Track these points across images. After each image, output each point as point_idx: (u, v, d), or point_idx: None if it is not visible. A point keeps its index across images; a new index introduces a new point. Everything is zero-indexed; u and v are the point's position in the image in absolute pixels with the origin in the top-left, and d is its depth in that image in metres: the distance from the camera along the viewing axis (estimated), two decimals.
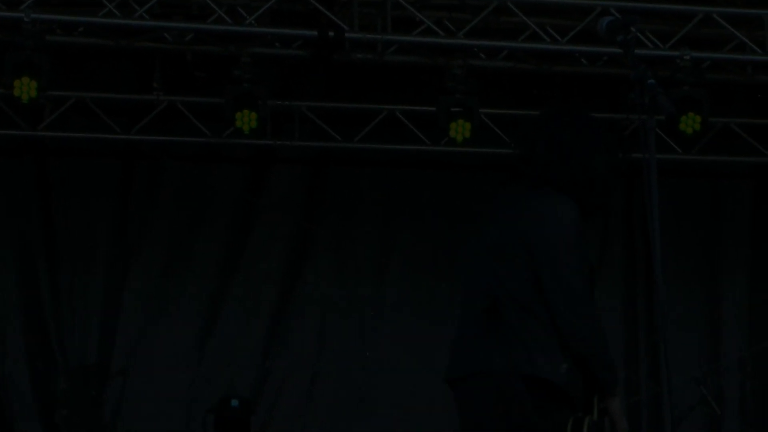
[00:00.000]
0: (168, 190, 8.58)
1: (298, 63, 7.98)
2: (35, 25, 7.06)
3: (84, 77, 8.07)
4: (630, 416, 8.23)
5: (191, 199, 8.59)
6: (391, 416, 8.45)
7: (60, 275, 8.58)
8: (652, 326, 8.62)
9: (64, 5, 7.66)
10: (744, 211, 9.45)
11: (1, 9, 7.09)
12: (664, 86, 3.69)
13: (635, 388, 8.81)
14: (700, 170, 9.13)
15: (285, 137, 8.36)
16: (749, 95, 8.96)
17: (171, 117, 8.08)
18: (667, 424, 3.51)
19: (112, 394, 8.39)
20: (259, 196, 8.60)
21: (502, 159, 8.68)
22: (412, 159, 8.78)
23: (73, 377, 8.43)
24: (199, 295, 8.61)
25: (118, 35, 7.59)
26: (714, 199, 9.37)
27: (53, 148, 8.38)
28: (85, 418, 8.30)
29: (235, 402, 8.11)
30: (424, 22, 7.57)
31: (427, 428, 8.36)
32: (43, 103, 7.77)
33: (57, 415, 8.31)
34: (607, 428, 3.89)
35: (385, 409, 8.49)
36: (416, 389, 8.39)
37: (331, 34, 7.38)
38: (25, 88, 7.15)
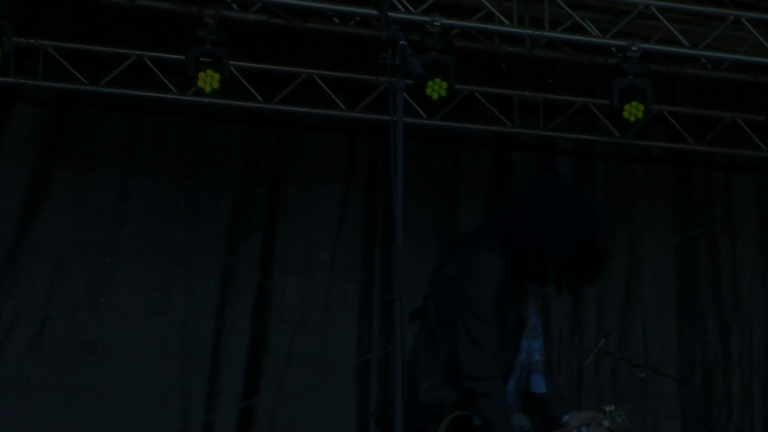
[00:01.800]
0: None
1: (45, 0, 7.92)
2: None
3: None
4: (361, 373, 9.18)
5: None
6: (121, 361, 8.53)
7: None
8: (388, 285, 9.02)
9: None
10: (482, 176, 9.82)
11: None
12: (414, 51, 3.89)
13: (368, 346, 9.14)
14: (444, 135, 9.45)
15: (28, 76, 8.25)
16: (494, 65, 9.35)
17: None
18: (397, 380, 3.66)
19: None
20: None
21: (251, 112, 9.17)
22: (158, 106, 8.82)
23: None
24: None
25: None
26: (454, 163, 9.75)
27: None
28: None
29: None
30: None
31: (158, 373, 8.60)
32: None
33: None
34: None
35: (116, 354, 8.55)
36: (149, 335, 8.63)
37: None
38: None
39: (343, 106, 9.21)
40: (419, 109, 8.76)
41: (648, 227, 10.23)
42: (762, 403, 10.00)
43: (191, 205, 9.17)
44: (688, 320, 10.21)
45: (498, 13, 8.25)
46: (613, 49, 8.61)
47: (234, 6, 8.12)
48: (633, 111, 8.55)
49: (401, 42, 3.75)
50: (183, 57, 8.01)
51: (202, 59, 7.88)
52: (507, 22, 8.37)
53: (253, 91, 8.78)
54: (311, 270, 9.36)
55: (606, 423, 4.85)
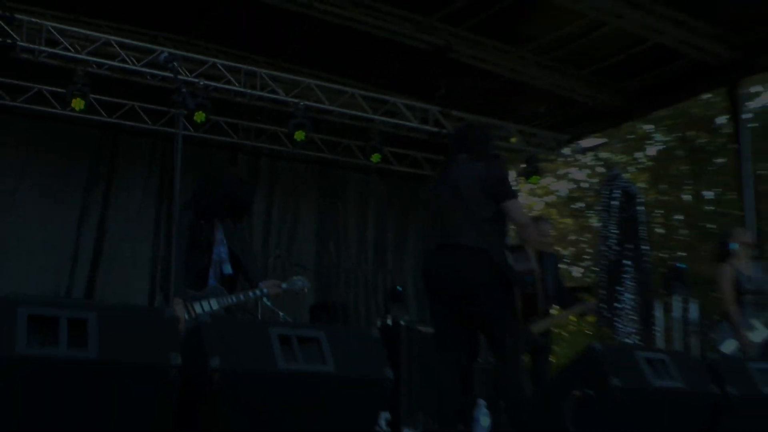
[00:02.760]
0: None
1: None
2: None
3: None
4: (153, 274, 10.62)
5: None
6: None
7: None
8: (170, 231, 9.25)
9: None
10: (224, 164, 11.47)
11: None
12: (189, 95, 4.81)
13: (158, 255, 10.78)
14: (202, 141, 11.02)
15: None
16: (229, 108, 10.75)
17: None
18: (174, 275, 4.59)
19: None
20: None
21: (100, 123, 10.36)
22: (50, 117, 10.06)
23: None
24: None
25: None
26: (206, 156, 11.29)
27: None
28: None
29: None
30: None
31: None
32: None
33: None
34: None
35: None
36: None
37: None
38: None
39: (150, 122, 10.77)
40: (191, 127, 10.15)
41: (302, 196, 12.19)
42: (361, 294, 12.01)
43: (63, 185, 10.68)
44: (322, 244, 12.25)
45: (227, 76, 9.76)
46: (290, 103, 10.37)
47: (93, 66, 9.58)
48: (299, 135, 10.30)
49: (182, 90, 4.58)
50: (65, 90, 9.51)
51: (75, 92, 9.45)
52: (236, 84, 9.92)
53: (101, 111, 10.42)
54: (128, 219, 11.03)
55: (284, 285, 5.88)
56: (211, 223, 5.66)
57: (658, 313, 7.00)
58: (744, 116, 11.27)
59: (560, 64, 11.90)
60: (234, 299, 5.57)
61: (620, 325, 6.71)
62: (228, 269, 5.64)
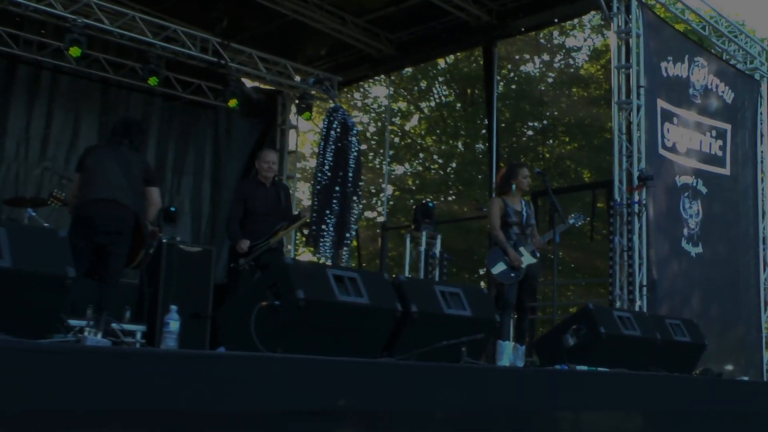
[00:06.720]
0: None
1: None
2: None
3: None
4: None
5: None
6: None
7: None
8: None
9: None
10: None
11: None
12: None
13: None
14: None
15: None
16: None
17: None
18: None
19: None
20: None
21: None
22: None
23: None
24: None
25: None
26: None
27: None
28: None
29: None
30: None
31: None
32: None
33: None
34: None
35: None
36: None
37: None
38: None
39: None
40: None
41: (84, 111, 11.67)
42: None
43: None
44: None
45: None
46: (68, 19, 9.74)
47: None
48: (75, 51, 9.67)
49: None
50: None
51: None
52: None
53: None
54: None
55: None
56: None
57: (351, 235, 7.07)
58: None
59: (339, 9, 11.98)
60: None
61: (323, 245, 6.78)
62: None
